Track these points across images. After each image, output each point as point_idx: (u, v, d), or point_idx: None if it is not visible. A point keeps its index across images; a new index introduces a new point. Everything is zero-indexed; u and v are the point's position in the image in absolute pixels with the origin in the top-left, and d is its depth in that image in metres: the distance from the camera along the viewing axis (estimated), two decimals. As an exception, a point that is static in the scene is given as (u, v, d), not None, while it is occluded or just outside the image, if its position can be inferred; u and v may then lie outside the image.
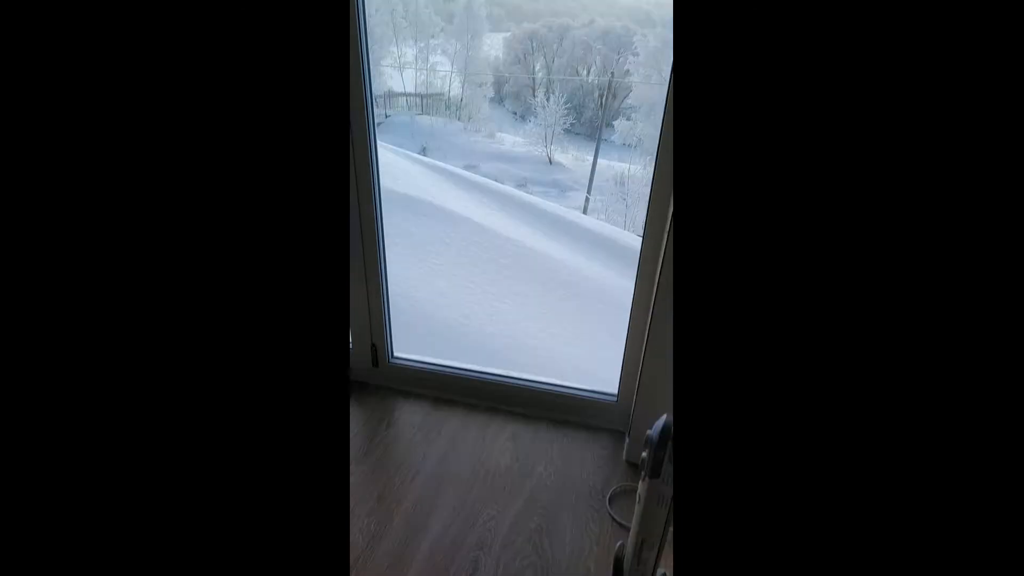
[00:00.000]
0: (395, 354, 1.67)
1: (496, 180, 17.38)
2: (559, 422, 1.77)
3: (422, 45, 25.09)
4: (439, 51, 26.20)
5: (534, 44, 32.03)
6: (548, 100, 20.04)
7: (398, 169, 2.85)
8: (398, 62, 24.97)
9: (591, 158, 15.66)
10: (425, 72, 25.05)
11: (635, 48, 19.27)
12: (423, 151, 20.46)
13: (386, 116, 22.26)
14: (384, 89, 23.68)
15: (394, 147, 3.21)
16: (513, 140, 22.85)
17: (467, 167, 19.88)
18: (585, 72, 30.24)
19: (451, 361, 1.59)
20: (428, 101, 24.28)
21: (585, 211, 12.26)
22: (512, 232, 2.76)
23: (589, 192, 12.51)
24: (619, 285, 2.66)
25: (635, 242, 3.23)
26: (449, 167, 3.35)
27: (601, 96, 27.26)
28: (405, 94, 24.94)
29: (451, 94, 25.37)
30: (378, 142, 1.58)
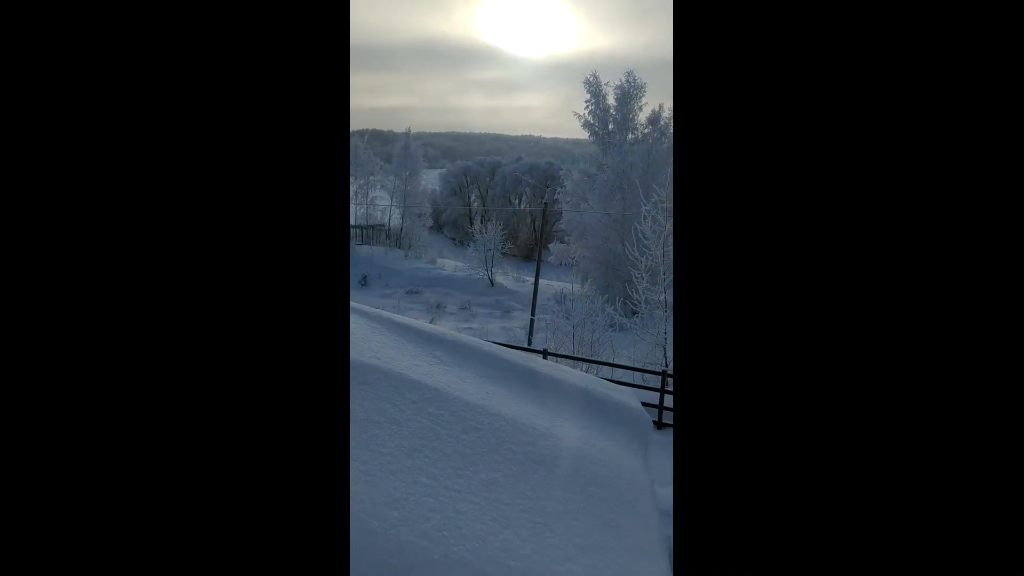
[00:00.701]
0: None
1: (439, 305, 17.80)
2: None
3: (361, 182, 26.49)
4: (378, 187, 27.69)
5: (468, 178, 34.95)
6: (486, 228, 21.03)
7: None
8: (338, 197, 25.83)
9: (531, 279, 16.15)
10: (365, 206, 26.08)
11: (562, 180, 21.27)
12: (364, 280, 20.39)
13: (325, 248, 22.27)
14: (323, 222, 24.09)
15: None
16: (454, 265, 23.48)
17: (409, 293, 20.04)
18: (517, 201, 32.92)
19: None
20: (368, 232, 24.92)
21: (530, 333, 12.21)
22: (472, 394, 2.34)
23: (533, 314, 12.59)
24: (604, 450, 2.26)
25: (604, 388, 2.89)
26: (396, 317, 2.99)
27: (534, 222, 29.39)
28: (345, 226, 25.46)
29: (391, 224, 26.34)
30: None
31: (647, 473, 2.27)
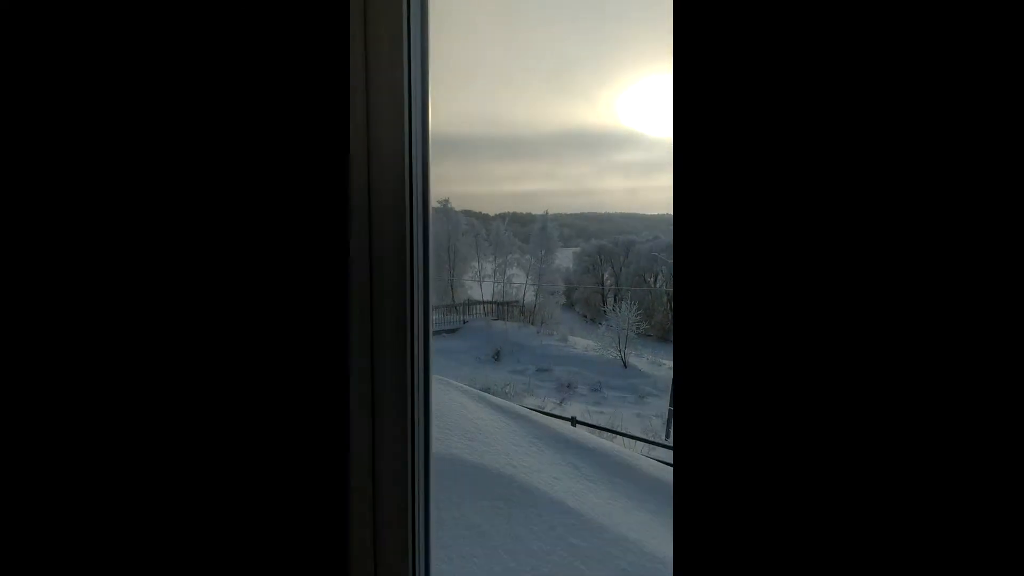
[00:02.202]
0: None
1: (570, 385, 17.24)
2: None
3: (500, 260, 28.17)
4: (515, 264, 29.20)
5: (602, 256, 35.04)
6: (620, 306, 20.48)
7: (457, 414, 2.27)
8: (478, 275, 27.90)
9: (667, 362, 14.92)
10: (502, 283, 27.48)
11: (703, 259, 19.98)
12: (497, 355, 20.92)
13: (464, 322, 23.77)
14: (464, 298, 26.10)
15: (448, 379, 2.70)
16: (585, 344, 23.03)
17: (540, 371, 19.93)
18: (652, 280, 31.81)
19: None
20: (504, 308, 25.99)
21: (668, 425, 11.03)
22: (619, 522, 1.93)
23: (672, 404, 11.43)
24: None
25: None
26: (521, 409, 2.74)
27: (670, 301, 27.94)
28: (483, 302, 27.12)
29: (525, 301, 27.24)
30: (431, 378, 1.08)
31: None
